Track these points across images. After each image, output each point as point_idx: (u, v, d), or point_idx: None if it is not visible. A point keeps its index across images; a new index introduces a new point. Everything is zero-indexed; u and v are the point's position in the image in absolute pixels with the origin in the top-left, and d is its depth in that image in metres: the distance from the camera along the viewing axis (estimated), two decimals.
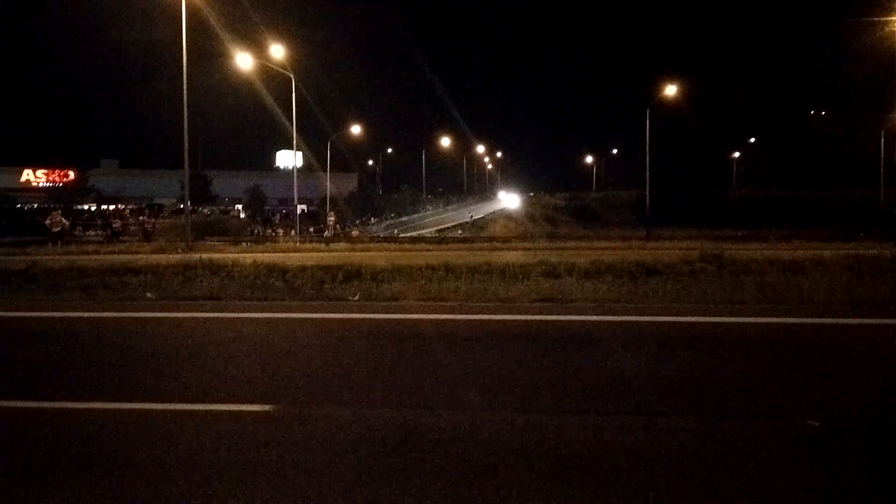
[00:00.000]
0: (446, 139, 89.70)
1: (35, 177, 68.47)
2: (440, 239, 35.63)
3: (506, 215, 72.54)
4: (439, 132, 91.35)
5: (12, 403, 4.64)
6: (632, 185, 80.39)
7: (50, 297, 9.43)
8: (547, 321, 7.32)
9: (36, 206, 45.86)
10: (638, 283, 9.81)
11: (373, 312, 7.96)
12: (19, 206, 39.92)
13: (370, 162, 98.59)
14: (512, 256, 14.61)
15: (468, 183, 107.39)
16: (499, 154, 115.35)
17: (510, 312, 7.78)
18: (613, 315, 7.52)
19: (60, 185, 63.90)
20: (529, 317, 7.53)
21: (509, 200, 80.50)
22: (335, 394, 4.81)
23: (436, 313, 7.80)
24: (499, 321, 7.35)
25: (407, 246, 25.19)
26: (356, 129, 57.48)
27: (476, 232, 52.26)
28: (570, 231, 48.38)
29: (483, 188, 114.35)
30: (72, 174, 64.67)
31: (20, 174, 68.09)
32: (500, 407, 4.46)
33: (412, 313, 7.87)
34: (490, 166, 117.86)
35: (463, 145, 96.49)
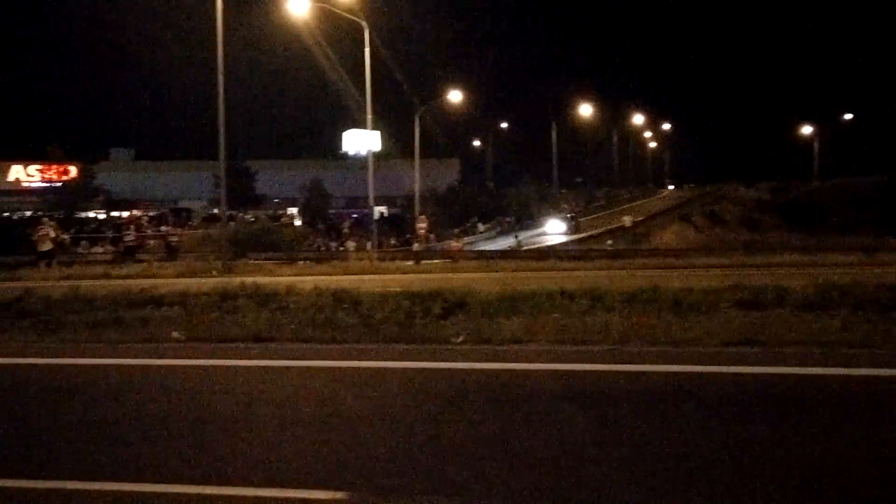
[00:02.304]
0: (587, 107, 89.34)
1: (27, 174, 74.03)
2: (581, 253, 35.44)
3: (682, 218, 71.00)
4: (577, 98, 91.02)
5: None
6: (871, 168, 76.71)
7: (47, 338, 10.14)
8: (745, 375, 7.09)
9: (29, 214, 49.62)
10: (891, 317, 9.33)
11: (484, 360, 8.00)
12: (7, 214, 43.38)
13: (476, 143, 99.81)
14: (690, 277, 14.29)
15: (621, 170, 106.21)
16: (665, 126, 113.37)
17: (688, 361, 7.59)
18: (849, 367, 7.18)
19: (59, 184, 68.77)
20: (717, 368, 7.33)
21: (553, 226, 65.48)
22: (430, 478, 4.86)
23: (576, 362, 7.75)
24: (670, 375, 7.20)
25: (532, 263, 25.27)
26: (456, 97, 58.18)
27: (634, 242, 51.59)
28: (779, 239, 46.80)
29: (644, 176, 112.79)
30: (73, 170, 69.51)
31: (7, 172, 73.83)
32: None
33: (540, 362, 7.86)
34: (653, 144, 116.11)
35: (612, 116, 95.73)
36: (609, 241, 52.86)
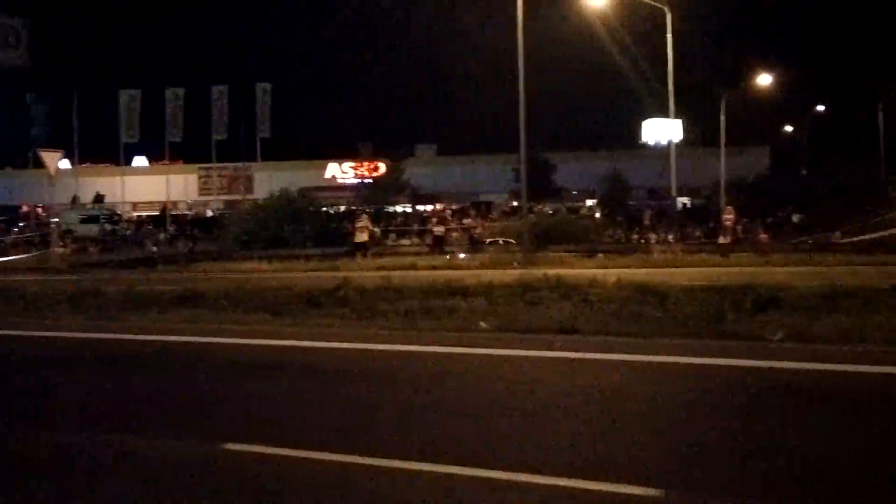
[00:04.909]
0: None
1: (341, 171, 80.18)
2: None
3: None
4: None
5: (321, 455, 5.46)
6: None
7: (364, 325, 10.96)
8: None
9: (343, 208, 53.77)
10: None
11: (807, 360, 7.64)
12: (325, 209, 47.15)
13: (788, 128, 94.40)
14: None
15: None
16: None
17: None
18: None
19: (370, 180, 73.90)
20: None
21: None
22: (752, 480, 4.71)
23: None
24: None
25: (855, 257, 23.52)
26: (765, 80, 55.51)
27: None
28: None
29: None
30: (382, 166, 74.28)
31: (324, 169, 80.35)
32: None
33: (875, 364, 7.34)
34: None
35: None
36: None
